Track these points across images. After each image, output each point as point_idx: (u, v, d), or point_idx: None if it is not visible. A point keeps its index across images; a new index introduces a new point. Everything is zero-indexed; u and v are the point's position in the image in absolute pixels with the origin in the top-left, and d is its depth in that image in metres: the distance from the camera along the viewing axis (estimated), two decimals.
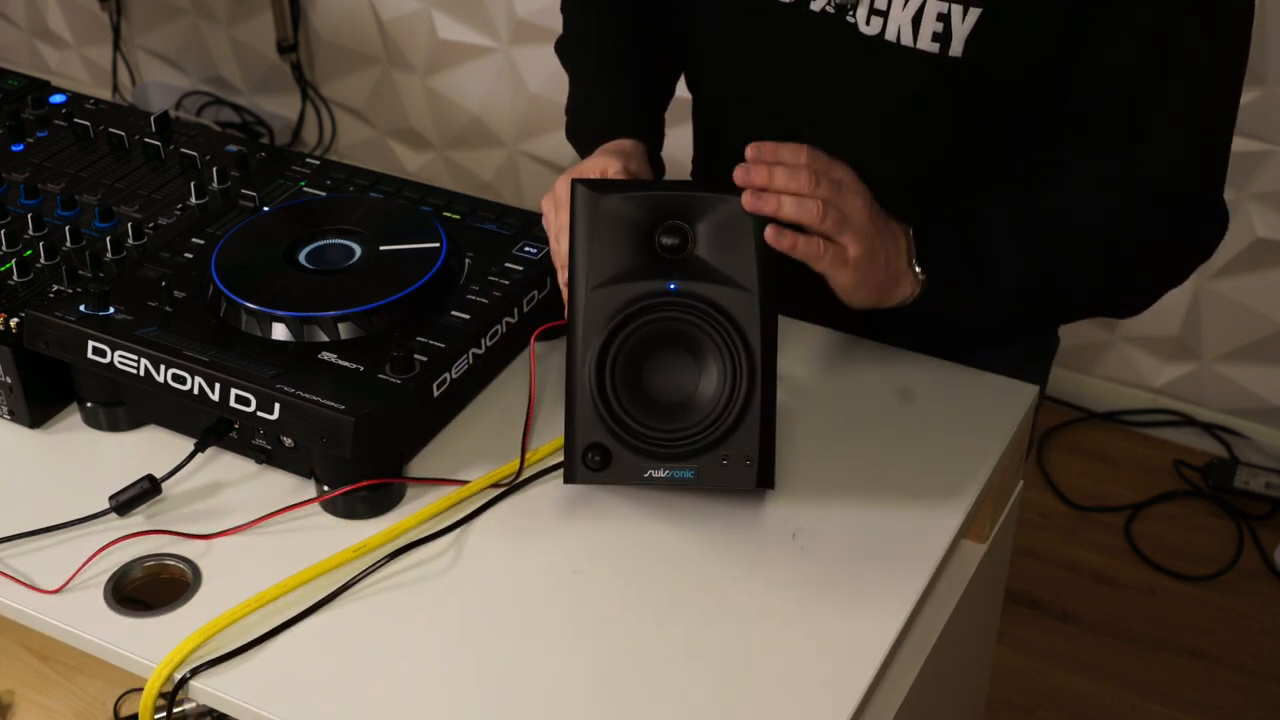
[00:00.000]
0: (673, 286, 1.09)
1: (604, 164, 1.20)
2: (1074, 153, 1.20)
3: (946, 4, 1.14)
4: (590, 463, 1.08)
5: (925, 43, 1.16)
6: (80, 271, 1.29)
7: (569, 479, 1.10)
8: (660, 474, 1.08)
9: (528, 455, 1.21)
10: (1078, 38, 1.12)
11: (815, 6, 1.20)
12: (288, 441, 1.18)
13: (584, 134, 1.33)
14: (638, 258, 1.10)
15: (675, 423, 1.08)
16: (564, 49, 1.45)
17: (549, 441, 1.22)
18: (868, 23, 1.17)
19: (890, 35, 1.17)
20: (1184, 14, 1.11)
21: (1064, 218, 1.18)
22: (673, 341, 1.09)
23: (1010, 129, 1.22)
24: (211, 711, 1.06)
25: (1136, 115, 1.16)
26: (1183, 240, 1.21)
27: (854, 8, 1.17)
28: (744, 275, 1.08)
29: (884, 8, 1.16)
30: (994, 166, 1.25)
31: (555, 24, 1.51)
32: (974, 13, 1.13)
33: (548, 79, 2.66)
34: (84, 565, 1.12)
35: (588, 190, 1.10)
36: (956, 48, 1.15)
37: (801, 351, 1.34)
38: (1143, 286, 1.23)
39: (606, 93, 1.36)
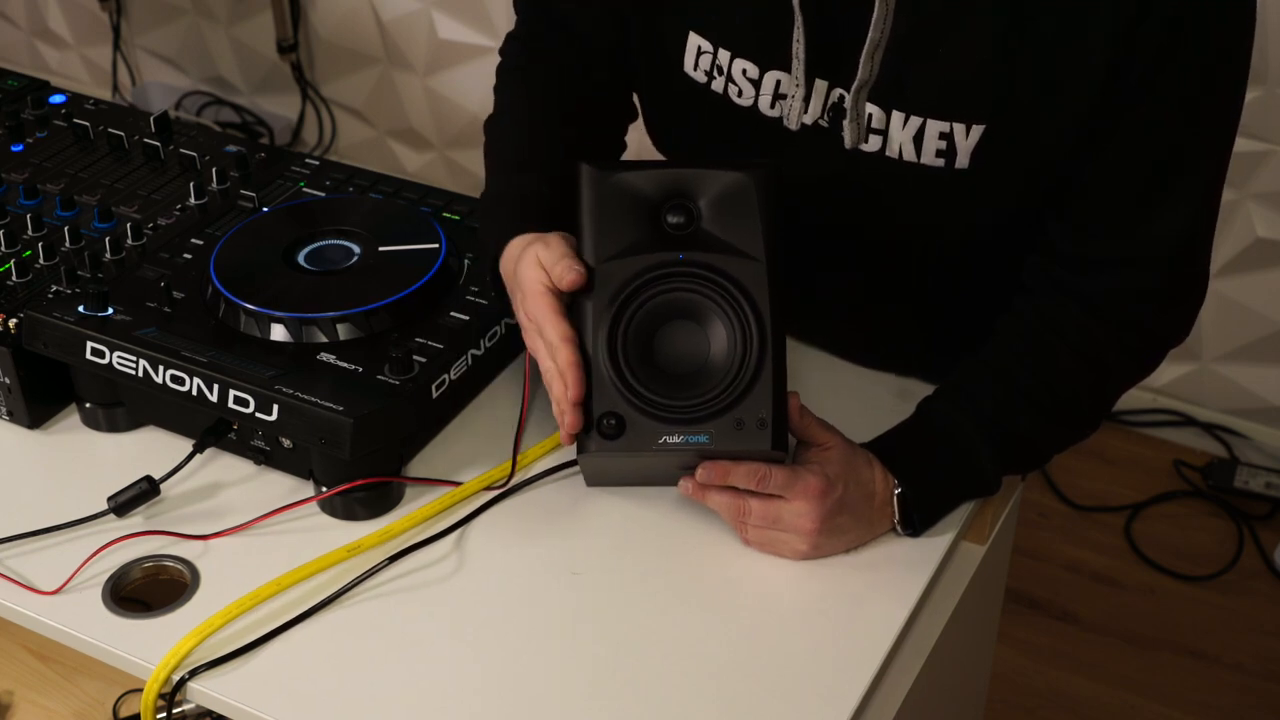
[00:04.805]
0: (681, 257, 1.09)
1: (538, 274, 1.11)
2: (1066, 266, 1.18)
3: (948, 123, 1.11)
4: (606, 429, 1.08)
5: (929, 158, 1.13)
6: (79, 272, 1.29)
7: (582, 450, 1.09)
8: (675, 439, 1.08)
9: (521, 457, 1.21)
10: (1086, 141, 1.11)
11: (807, 120, 1.17)
12: (286, 443, 1.18)
13: (494, 221, 1.22)
14: (645, 233, 1.10)
15: (688, 391, 1.08)
16: (490, 131, 1.33)
17: (541, 443, 1.22)
18: (865, 141, 1.15)
19: (891, 153, 1.14)
20: (1188, 120, 1.09)
21: (1048, 379, 1.17)
22: (682, 312, 1.09)
23: (1019, 221, 1.20)
24: (210, 712, 1.06)
25: (1134, 218, 1.14)
26: (1165, 349, 1.21)
27: (862, 138, 1.14)
28: (750, 245, 1.09)
29: (882, 127, 1.13)
30: (1003, 252, 1.24)
31: None
32: (977, 130, 1.11)
33: None
34: (82, 566, 1.12)
35: (593, 169, 1.10)
36: (963, 161, 1.13)
37: (800, 353, 1.34)
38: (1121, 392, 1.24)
39: (521, 190, 1.24)
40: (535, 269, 1.11)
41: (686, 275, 1.09)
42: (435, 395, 1.19)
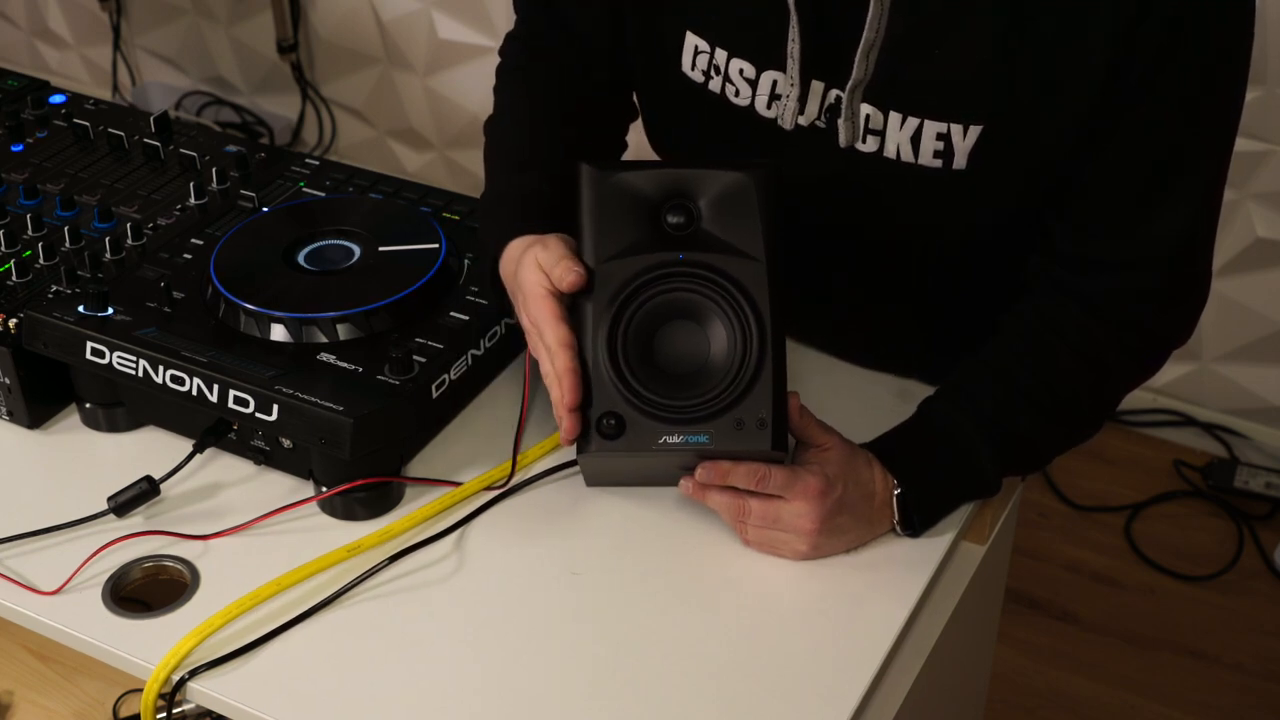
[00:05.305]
0: (681, 257, 1.09)
1: (539, 278, 1.11)
2: (1067, 265, 1.17)
3: (945, 124, 1.11)
4: (605, 429, 1.08)
5: (927, 159, 1.13)
6: (79, 272, 1.29)
7: (582, 450, 1.09)
8: (675, 440, 1.08)
9: (521, 457, 1.21)
10: (1086, 141, 1.10)
11: (803, 121, 1.16)
12: (286, 443, 1.18)
13: (494, 222, 1.22)
14: (645, 233, 1.10)
15: (687, 391, 1.09)
16: (490, 131, 1.33)
17: (541, 443, 1.22)
18: (863, 141, 1.15)
19: (889, 153, 1.14)
20: (1188, 121, 1.09)
21: (1047, 379, 1.17)
22: (682, 312, 1.09)
23: (1019, 221, 1.20)
24: (210, 712, 1.06)
25: (1134, 218, 1.14)
26: (1167, 350, 1.21)
27: (857, 137, 1.14)
28: (750, 245, 1.09)
29: (879, 127, 1.14)
30: (1003, 252, 1.24)
31: None
32: (974, 130, 1.11)
33: None
34: (82, 566, 1.12)
35: (593, 169, 1.11)
36: (960, 162, 1.13)
37: (800, 354, 1.34)
38: (1124, 394, 1.24)
39: (522, 190, 1.23)
40: (535, 272, 1.11)
41: (686, 275, 1.09)
42: (435, 395, 1.19)
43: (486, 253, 1.21)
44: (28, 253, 1.32)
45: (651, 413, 1.08)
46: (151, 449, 1.23)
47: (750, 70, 1.17)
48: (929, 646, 1.17)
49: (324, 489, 1.16)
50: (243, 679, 1.04)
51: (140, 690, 1.05)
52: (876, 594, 1.10)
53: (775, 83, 1.16)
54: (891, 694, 1.12)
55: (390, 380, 1.16)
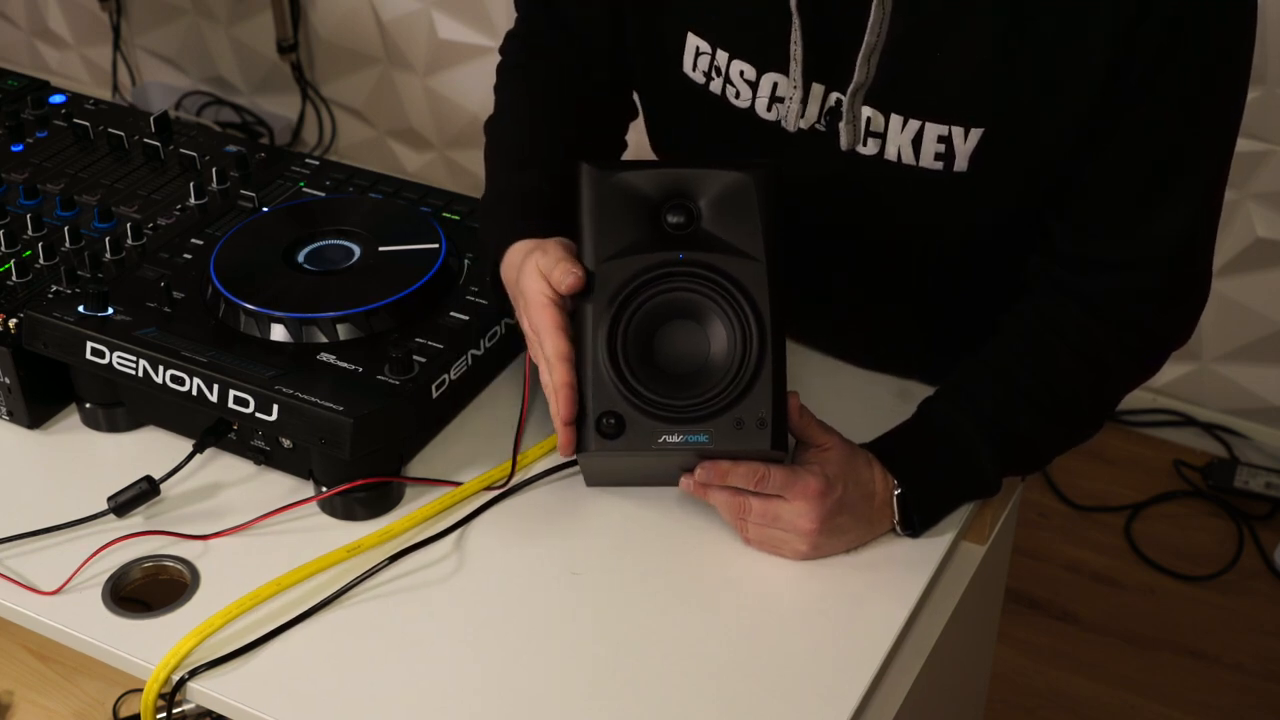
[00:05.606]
0: (681, 257, 1.09)
1: (540, 285, 1.10)
2: (1067, 266, 1.18)
3: (946, 126, 1.11)
4: (605, 428, 1.08)
5: (928, 161, 1.13)
6: (79, 272, 1.29)
7: (581, 448, 1.09)
8: (674, 439, 1.08)
9: (521, 457, 1.21)
10: (1086, 141, 1.10)
11: (803, 124, 1.16)
12: (286, 443, 1.18)
13: (494, 221, 1.22)
14: (645, 233, 1.10)
15: (687, 390, 1.09)
16: (490, 129, 1.33)
17: (541, 443, 1.22)
18: (863, 143, 1.15)
19: (890, 156, 1.14)
20: (1188, 121, 1.09)
21: (1047, 379, 1.17)
22: (682, 311, 1.09)
23: (1019, 221, 1.20)
24: (210, 712, 1.06)
25: (1134, 218, 1.14)
26: (1167, 350, 1.21)
27: (859, 140, 1.14)
28: (750, 245, 1.09)
29: (880, 130, 1.14)
30: (1003, 252, 1.24)
31: None
32: (976, 133, 1.11)
33: None
34: (82, 566, 1.12)
35: (593, 169, 1.11)
36: (961, 165, 1.12)
37: (800, 355, 1.34)
38: (1123, 395, 1.24)
39: (522, 189, 1.23)
40: (537, 279, 1.10)
41: (686, 275, 1.09)
42: (435, 395, 1.19)
43: (487, 253, 1.21)
44: (28, 253, 1.32)
45: (651, 412, 1.08)
46: (151, 449, 1.23)
47: (751, 72, 1.17)
48: (929, 646, 1.17)
49: (324, 489, 1.16)
50: (243, 679, 1.04)
51: (140, 690, 1.05)
52: (876, 594, 1.10)
53: (776, 85, 1.16)
54: (891, 694, 1.12)
55: (390, 380, 1.16)
